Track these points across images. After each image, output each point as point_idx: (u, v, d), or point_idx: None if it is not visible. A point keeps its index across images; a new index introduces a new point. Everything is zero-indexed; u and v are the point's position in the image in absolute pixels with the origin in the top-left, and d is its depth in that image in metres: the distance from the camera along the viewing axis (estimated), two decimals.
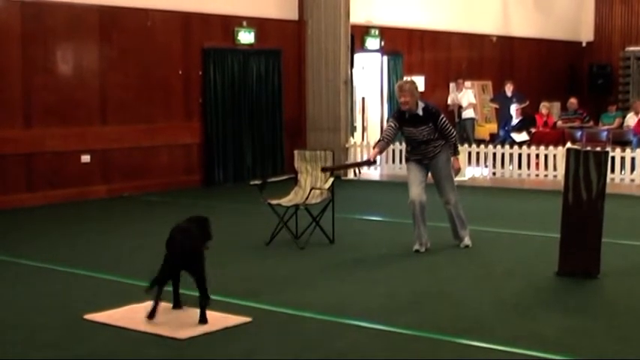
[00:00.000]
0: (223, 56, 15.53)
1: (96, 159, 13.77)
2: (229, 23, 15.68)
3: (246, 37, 15.88)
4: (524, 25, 22.54)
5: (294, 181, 10.05)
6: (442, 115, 9.11)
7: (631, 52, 21.66)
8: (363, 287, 7.69)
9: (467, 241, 9.32)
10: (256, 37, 16.02)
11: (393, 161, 16.60)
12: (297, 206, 9.52)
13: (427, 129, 8.98)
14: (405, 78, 9.69)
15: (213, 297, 7.14)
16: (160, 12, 14.56)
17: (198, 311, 6.36)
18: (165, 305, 6.88)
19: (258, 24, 16.09)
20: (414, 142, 9.14)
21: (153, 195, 14.01)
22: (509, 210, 12.65)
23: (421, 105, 9.00)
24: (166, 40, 14.72)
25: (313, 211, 9.62)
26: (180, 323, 6.35)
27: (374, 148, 9.50)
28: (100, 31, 13.80)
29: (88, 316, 6.55)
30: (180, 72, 14.95)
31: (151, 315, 6.42)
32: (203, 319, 6.34)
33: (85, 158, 13.62)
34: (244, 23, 15.87)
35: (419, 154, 9.16)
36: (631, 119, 18.43)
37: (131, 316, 6.57)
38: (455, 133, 9.19)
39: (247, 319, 6.46)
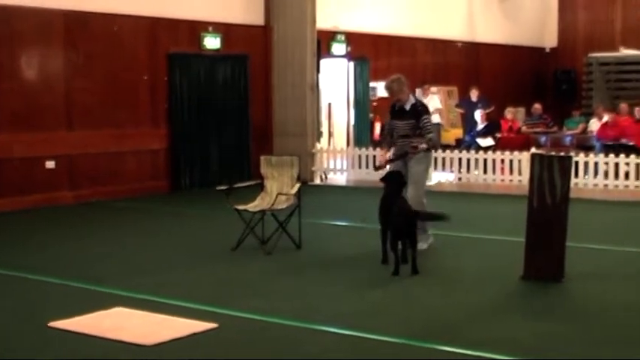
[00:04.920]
0: (189, 61, 15.49)
1: (62, 165, 13.67)
2: (195, 28, 15.64)
3: (212, 42, 15.86)
4: (489, 31, 22.71)
5: (260, 187, 10.05)
6: (427, 116, 9.47)
7: (594, 59, 21.89)
8: (331, 292, 7.70)
9: (420, 244, 9.34)
10: (222, 42, 16.01)
11: (360, 166, 16.62)
12: (263, 212, 9.52)
13: (409, 124, 9.36)
14: (392, 76, 9.71)
15: (179, 303, 7.15)
16: (127, 17, 14.49)
17: None
18: (131, 311, 6.86)
19: (224, 29, 16.07)
20: (396, 134, 9.52)
21: (120, 201, 13.93)
22: (475, 215, 12.71)
23: (411, 101, 9.45)
24: (132, 45, 14.66)
25: (280, 217, 9.63)
26: (147, 330, 6.33)
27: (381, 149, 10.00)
28: (66, 36, 13.70)
29: (54, 324, 6.49)
30: (145, 77, 14.89)
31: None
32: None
33: (50, 164, 13.51)
34: (210, 28, 15.85)
35: (399, 149, 9.46)
36: (594, 124, 18.63)
37: (97, 323, 6.53)
38: (434, 135, 9.56)
39: (214, 325, 6.45)
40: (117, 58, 14.41)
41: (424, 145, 9.25)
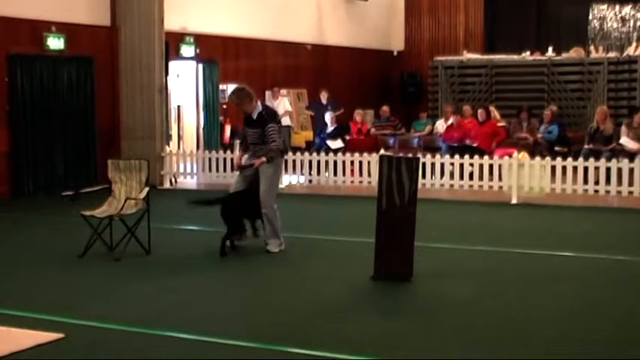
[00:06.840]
0: (32, 62, 14.96)
1: None
2: (37, 28, 15.12)
3: (55, 43, 15.37)
4: (337, 35, 22.99)
5: (108, 192, 9.81)
6: (273, 124, 9.50)
7: (439, 62, 22.49)
8: (180, 298, 7.59)
9: (271, 247, 9.46)
10: (66, 43, 15.53)
11: (210, 169, 16.48)
12: (111, 217, 9.31)
13: (257, 132, 9.47)
14: (234, 88, 9.95)
15: (22, 313, 6.89)
16: None
17: None
18: None
19: (68, 29, 15.60)
20: (248, 141, 9.67)
21: None
22: (326, 216, 12.83)
23: (259, 109, 9.53)
24: None
25: (128, 222, 9.41)
26: None
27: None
28: None
29: None
30: None
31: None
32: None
33: None
34: (53, 28, 15.35)
35: (251, 156, 9.60)
36: (440, 126, 19.13)
37: None
38: (277, 143, 9.48)
39: (60, 335, 6.24)
40: None
41: (263, 159, 9.36)
